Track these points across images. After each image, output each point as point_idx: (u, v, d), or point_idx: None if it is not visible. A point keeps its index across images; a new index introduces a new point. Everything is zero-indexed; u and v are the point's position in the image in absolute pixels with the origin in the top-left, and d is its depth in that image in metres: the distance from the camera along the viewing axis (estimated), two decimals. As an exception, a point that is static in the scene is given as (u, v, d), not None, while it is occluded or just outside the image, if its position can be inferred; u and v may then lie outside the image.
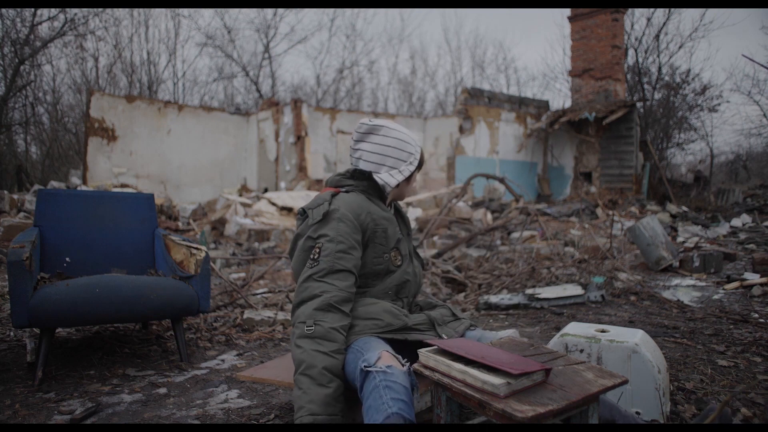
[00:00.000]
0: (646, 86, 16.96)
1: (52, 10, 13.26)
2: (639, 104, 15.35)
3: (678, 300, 3.89)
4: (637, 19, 17.00)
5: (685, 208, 11.58)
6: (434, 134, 15.83)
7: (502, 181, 9.37)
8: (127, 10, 19.48)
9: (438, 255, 5.66)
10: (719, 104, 17.06)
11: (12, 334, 3.00)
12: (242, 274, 5.36)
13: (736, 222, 9.33)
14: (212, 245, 7.58)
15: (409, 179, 1.81)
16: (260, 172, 15.36)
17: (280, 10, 24.71)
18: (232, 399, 2.17)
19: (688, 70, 16.71)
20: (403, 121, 15.99)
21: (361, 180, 1.77)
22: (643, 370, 1.80)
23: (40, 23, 13.42)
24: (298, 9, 28.97)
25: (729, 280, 4.55)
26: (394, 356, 1.41)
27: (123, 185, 12.19)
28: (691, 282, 4.65)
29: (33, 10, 12.83)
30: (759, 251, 6.17)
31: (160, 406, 2.08)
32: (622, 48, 14.60)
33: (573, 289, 3.98)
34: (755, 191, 13.51)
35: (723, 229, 8.60)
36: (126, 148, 13.64)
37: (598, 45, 14.42)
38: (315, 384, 1.40)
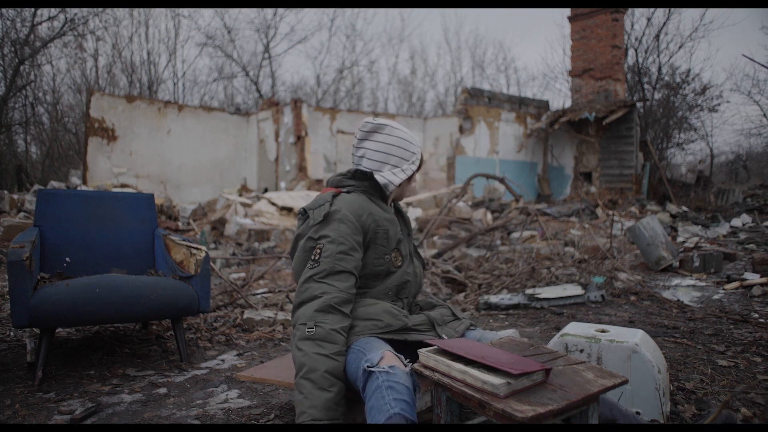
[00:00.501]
0: (646, 86, 16.97)
1: (52, 10, 13.28)
2: (639, 104, 15.35)
3: (678, 300, 3.89)
4: (637, 19, 17.03)
5: (685, 208, 11.58)
6: (434, 134, 15.83)
7: (502, 181, 9.36)
8: (126, 10, 19.52)
9: (438, 255, 5.66)
10: (719, 104, 17.10)
11: (12, 334, 3.00)
12: (242, 274, 5.36)
13: (736, 222, 9.33)
14: (212, 245, 7.58)
15: (410, 179, 1.82)
16: (260, 172, 15.35)
17: (280, 10, 24.74)
18: (232, 399, 2.17)
19: (688, 70, 16.75)
20: (403, 121, 15.98)
21: (363, 180, 1.77)
22: (643, 370, 1.80)
23: (40, 23, 13.44)
24: (298, 9, 29.01)
25: (729, 280, 4.55)
26: (397, 356, 1.41)
27: (123, 185, 12.18)
28: (691, 282, 4.65)
29: (33, 10, 12.84)
30: (759, 251, 6.17)
31: (160, 406, 2.08)
32: (622, 48, 14.60)
33: (573, 289, 3.98)
34: (755, 191, 13.51)
35: (723, 229, 8.60)
36: (126, 148, 13.64)
37: (598, 45, 14.42)
38: (316, 388, 1.40)
